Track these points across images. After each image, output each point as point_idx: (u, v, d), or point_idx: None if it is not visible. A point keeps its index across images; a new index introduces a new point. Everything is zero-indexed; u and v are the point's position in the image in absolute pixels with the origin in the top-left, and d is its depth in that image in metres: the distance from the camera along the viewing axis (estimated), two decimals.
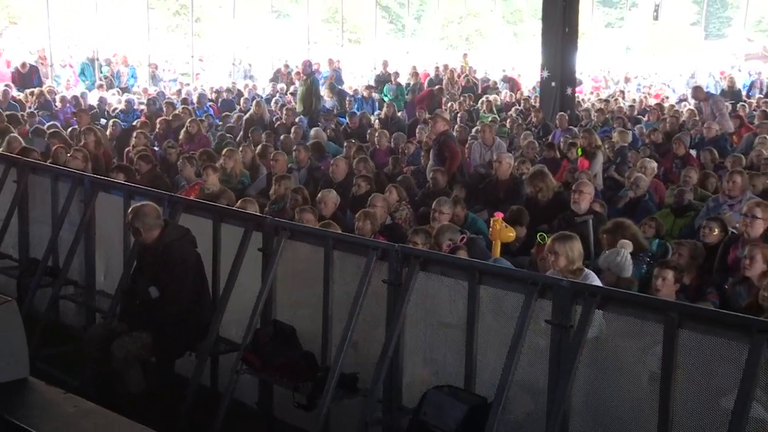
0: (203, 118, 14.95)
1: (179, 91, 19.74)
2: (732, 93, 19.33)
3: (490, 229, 6.82)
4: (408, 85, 19.60)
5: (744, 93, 20.46)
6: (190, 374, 5.33)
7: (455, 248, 6.30)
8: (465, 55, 25.95)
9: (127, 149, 11.22)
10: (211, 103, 18.40)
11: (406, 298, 4.45)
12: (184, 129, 12.44)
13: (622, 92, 22.93)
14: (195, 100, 17.80)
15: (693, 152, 11.56)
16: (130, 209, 5.48)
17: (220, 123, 15.41)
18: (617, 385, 3.90)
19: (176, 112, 14.36)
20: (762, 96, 20.30)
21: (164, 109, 15.46)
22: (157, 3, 34.13)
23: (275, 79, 22.44)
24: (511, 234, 6.87)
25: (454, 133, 11.52)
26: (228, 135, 13.31)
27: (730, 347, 3.47)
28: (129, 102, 17.04)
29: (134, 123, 13.92)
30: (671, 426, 3.56)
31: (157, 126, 13.24)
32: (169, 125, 13.24)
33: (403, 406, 4.56)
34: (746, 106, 17.59)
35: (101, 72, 21.77)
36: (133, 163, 9.40)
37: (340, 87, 20.08)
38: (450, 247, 6.35)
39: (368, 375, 4.53)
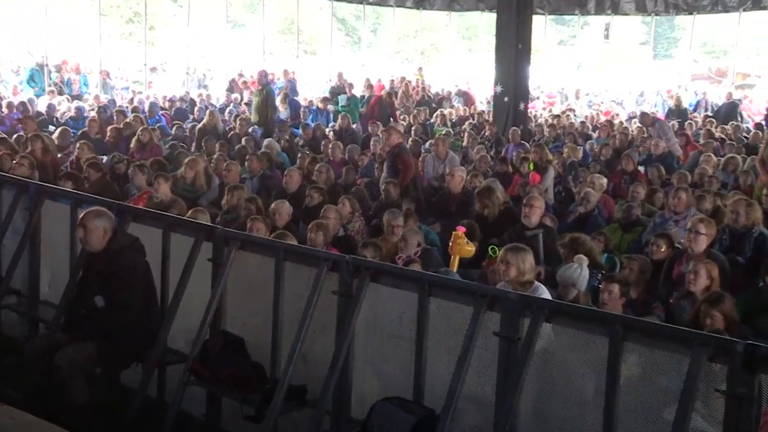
0: (155, 127, 14.79)
1: (131, 100, 19.50)
2: (679, 111, 19.81)
3: (451, 244, 6.79)
4: (363, 97, 19.65)
5: (690, 112, 20.96)
6: (136, 385, 5.24)
7: (409, 261, 6.34)
8: (420, 69, 26.15)
9: (71, 158, 11.03)
10: (164, 112, 18.21)
11: (356, 310, 4.45)
12: (136, 138, 12.28)
13: (572, 110, 23.29)
14: (147, 108, 17.59)
15: (641, 168, 11.79)
16: (82, 214, 5.37)
17: (172, 132, 15.23)
18: (564, 397, 3.95)
19: (127, 120, 14.16)
20: (708, 115, 20.83)
21: (115, 117, 15.24)
22: (110, 10, 33.71)
23: (230, 89, 22.31)
24: (471, 249, 6.86)
25: (408, 146, 11.58)
26: (181, 145, 13.18)
27: (672, 360, 3.54)
28: (79, 109, 16.76)
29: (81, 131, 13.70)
30: None
31: (108, 134, 13.05)
32: (120, 133, 13.07)
33: (352, 418, 4.54)
34: (693, 124, 18.04)
35: (50, 78, 21.39)
36: (82, 171, 9.25)
37: (294, 98, 20.06)
38: (404, 260, 6.38)
39: (317, 386, 4.51)
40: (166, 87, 24.43)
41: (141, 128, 12.76)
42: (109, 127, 13.39)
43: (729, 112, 19.98)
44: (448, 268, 6.50)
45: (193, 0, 27.55)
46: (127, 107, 17.67)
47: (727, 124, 17.41)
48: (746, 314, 5.94)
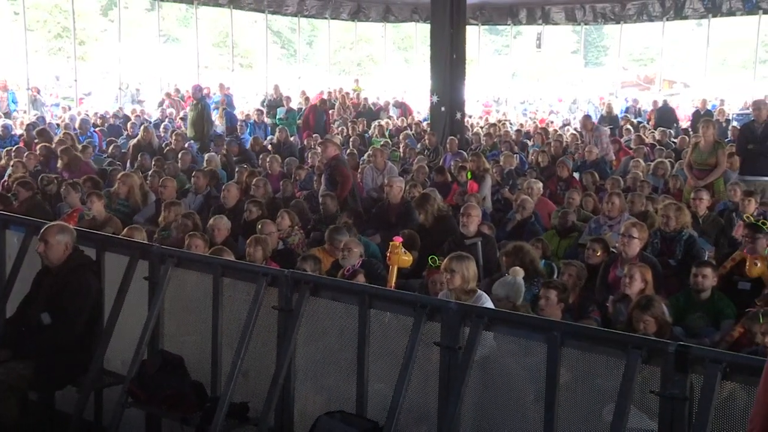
0: (86, 144, 14.47)
1: (62, 117, 19.06)
2: (610, 118, 20.27)
3: (389, 254, 6.80)
4: (300, 109, 19.60)
5: (621, 118, 21.48)
6: (71, 409, 5.10)
7: (354, 272, 6.33)
8: (356, 80, 26.24)
9: (4, 180, 10.73)
10: (96, 129, 17.84)
11: (297, 324, 4.42)
12: (63, 155, 11.97)
13: (508, 120, 23.65)
14: (77, 125, 17.20)
15: (576, 175, 12.03)
16: (45, 226, 5.25)
17: (107, 149, 14.91)
18: (505, 404, 3.98)
19: (59, 137, 13.82)
20: (647, 125, 21.38)
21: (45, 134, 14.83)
22: (37, 24, 32.95)
23: (162, 104, 21.99)
24: (408, 258, 6.88)
25: (346, 158, 11.58)
26: (117, 162, 12.93)
27: (609, 363, 3.60)
28: (6, 127, 16.27)
29: (12, 149, 13.31)
30: None
31: (37, 152, 12.72)
32: (51, 151, 12.73)
33: None
34: (624, 131, 18.49)
35: None
36: (11, 191, 9.00)
37: (231, 111, 19.91)
38: (350, 270, 6.38)
39: (259, 403, 4.46)
40: (98, 103, 23.98)
41: (60, 148, 12.18)
42: (39, 145, 13.05)
43: (667, 116, 20.54)
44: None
45: (124, 14, 27.09)
46: (57, 124, 17.27)
47: (669, 128, 17.89)
48: (679, 315, 6.12)
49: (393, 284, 6.46)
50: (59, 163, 11.80)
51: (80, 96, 25.07)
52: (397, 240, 6.73)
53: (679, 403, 3.33)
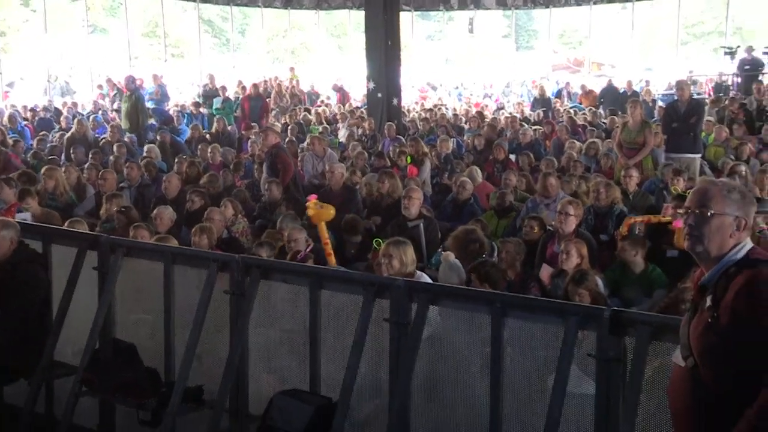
0: (17, 138, 14.17)
1: None
2: (543, 101, 20.75)
3: (309, 214, 6.92)
4: (237, 99, 19.49)
5: (553, 100, 21.97)
6: (22, 403, 5.11)
7: (305, 258, 6.45)
8: (292, 69, 26.17)
9: None
10: (26, 123, 17.44)
11: (249, 307, 4.52)
12: None
13: (444, 105, 23.91)
14: (5, 119, 16.78)
15: (512, 157, 12.34)
16: None
17: (33, 144, 14.58)
18: (453, 377, 4.14)
19: None
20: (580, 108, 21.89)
21: None
22: None
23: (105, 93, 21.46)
24: (331, 212, 7.02)
25: (285, 146, 11.64)
26: (51, 156, 12.69)
27: (549, 331, 3.81)
28: None
29: None
30: (501, 409, 3.85)
31: None
32: None
33: (251, 414, 4.60)
34: (556, 113, 18.95)
35: None
36: None
37: (164, 103, 19.70)
38: (303, 256, 6.49)
39: (214, 386, 4.55)
40: (24, 96, 23.34)
41: None
42: None
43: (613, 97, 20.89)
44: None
45: (49, 4, 26.41)
46: None
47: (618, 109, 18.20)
48: (615, 287, 6.43)
49: (327, 240, 6.62)
50: None
51: (4, 90, 24.38)
52: (311, 198, 6.84)
53: (615, 364, 3.55)
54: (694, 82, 22.01)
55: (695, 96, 14.59)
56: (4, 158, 11.52)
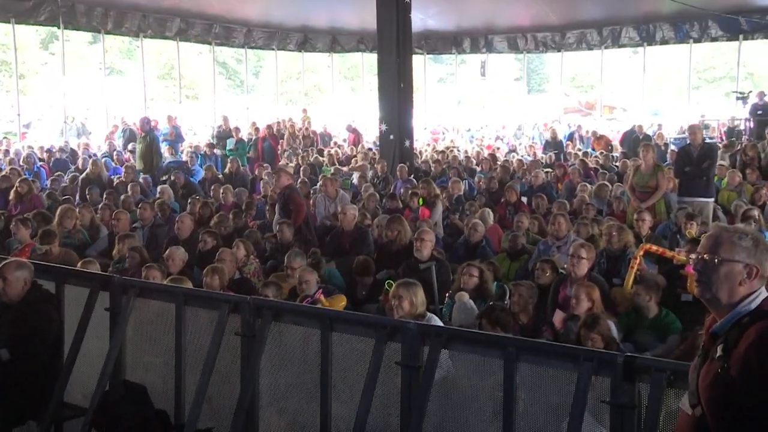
0: (33, 179, 14.32)
1: (6, 151, 18.75)
2: (555, 143, 20.81)
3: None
4: (250, 140, 19.66)
5: (565, 143, 22.04)
6: None
7: (315, 301, 6.43)
8: (305, 110, 26.40)
9: None
10: (42, 164, 17.63)
11: (260, 350, 4.51)
12: (14, 189, 11.89)
13: (456, 147, 24.00)
14: (23, 160, 16.98)
15: (524, 199, 12.34)
16: (2, 263, 5.26)
17: (48, 185, 14.73)
18: (464, 420, 4.11)
19: (4, 173, 13.67)
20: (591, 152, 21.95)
21: None
22: None
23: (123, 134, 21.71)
24: (341, 303, 6.94)
25: (297, 187, 11.70)
26: (64, 196, 12.81)
27: (562, 376, 3.77)
28: None
29: None
30: None
31: None
32: None
33: None
34: (569, 156, 19.00)
35: None
36: None
37: (179, 144, 19.89)
38: (309, 301, 6.47)
39: (224, 429, 4.53)
40: (41, 137, 23.62)
41: (19, 179, 12.35)
42: None
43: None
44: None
45: (67, 47, 26.86)
46: (1, 159, 17.05)
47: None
48: (628, 332, 6.37)
49: None
50: (10, 197, 11.69)
51: (22, 131, 24.67)
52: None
53: (629, 411, 3.51)
54: (707, 127, 22.03)
55: (707, 140, 14.59)
56: (34, 198, 11.68)
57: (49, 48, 38.11)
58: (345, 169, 17.17)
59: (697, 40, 24.96)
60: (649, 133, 21.80)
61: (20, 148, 19.21)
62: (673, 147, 18.68)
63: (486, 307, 5.93)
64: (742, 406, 2.51)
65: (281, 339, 4.60)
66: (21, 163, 16.52)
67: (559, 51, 28.01)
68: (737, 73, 25.99)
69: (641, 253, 7.07)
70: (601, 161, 17.13)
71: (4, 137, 21.40)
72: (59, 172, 16.00)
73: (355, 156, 19.22)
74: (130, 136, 20.31)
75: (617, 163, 17.07)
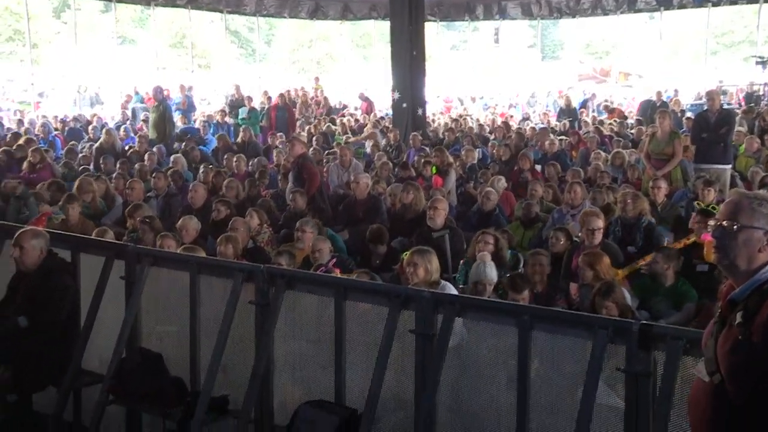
0: (48, 148, 14.36)
1: (20, 121, 18.81)
2: (569, 111, 20.63)
3: None
4: (263, 109, 19.62)
5: (579, 110, 21.84)
6: (50, 410, 5.15)
7: (328, 270, 6.42)
8: (317, 79, 26.28)
9: None
10: (56, 133, 17.67)
11: (274, 318, 4.52)
12: (27, 159, 11.94)
13: (469, 115, 23.87)
14: (38, 129, 17.02)
15: (538, 167, 12.26)
16: (19, 231, 5.29)
17: (62, 154, 14.76)
18: (478, 388, 4.11)
19: (20, 142, 13.70)
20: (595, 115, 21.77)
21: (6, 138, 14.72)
22: None
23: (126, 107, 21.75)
24: None
25: (311, 155, 11.67)
26: (84, 166, 12.85)
27: (577, 344, 3.76)
28: None
29: None
30: (528, 422, 3.81)
31: None
32: (11, 156, 12.63)
33: (276, 425, 4.60)
34: (583, 123, 18.83)
35: None
36: None
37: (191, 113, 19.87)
38: (323, 270, 6.46)
39: (239, 396, 4.56)
40: (55, 107, 23.66)
41: (31, 149, 12.34)
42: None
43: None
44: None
45: (79, 16, 26.79)
46: (16, 129, 17.08)
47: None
48: (642, 299, 6.35)
49: None
50: (24, 167, 11.74)
51: (36, 100, 24.74)
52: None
53: (644, 379, 3.50)
54: (724, 92, 21.75)
55: (725, 106, 14.39)
56: (47, 167, 11.73)
57: (62, 17, 38.03)
58: (356, 138, 17.11)
59: (716, 4, 24.53)
60: (665, 99, 21.55)
61: (35, 118, 19.24)
62: (689, 114, 18.48)
63: (509, 275, 5.92)
64: (764, 372, 2.49)
65: (295, 307, 4.60)
66: (36, 132, 16.57)
67: (573, 17, 27.67)
68: (757, 37, 25.56)
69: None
70: (615, 129, 16.98)
71: (20, 107, 21.50)
72: (73, 142, 16.03)
73: (366, 125, 19.14)
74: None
75: (632, 131, 16.91)
